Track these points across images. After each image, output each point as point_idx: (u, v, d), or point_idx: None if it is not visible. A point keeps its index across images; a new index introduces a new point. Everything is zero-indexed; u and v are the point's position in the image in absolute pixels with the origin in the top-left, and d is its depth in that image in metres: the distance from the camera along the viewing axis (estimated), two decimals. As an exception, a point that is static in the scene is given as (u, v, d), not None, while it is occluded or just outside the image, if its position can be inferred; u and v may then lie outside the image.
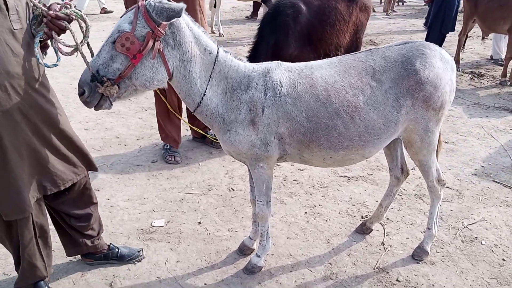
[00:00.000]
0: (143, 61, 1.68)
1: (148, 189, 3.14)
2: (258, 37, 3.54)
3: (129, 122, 4.34)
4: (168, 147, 3.62)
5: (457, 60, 6.42)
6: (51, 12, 1.63)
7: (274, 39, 3.42)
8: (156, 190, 3.13)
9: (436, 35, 6.25)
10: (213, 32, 8.22)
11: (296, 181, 3.30)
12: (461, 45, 6.43)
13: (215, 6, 8.23)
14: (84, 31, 1.70)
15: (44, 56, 1.84)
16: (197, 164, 3.54)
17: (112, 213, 2.83)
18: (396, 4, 14.32)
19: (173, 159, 3.53)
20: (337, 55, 3.68)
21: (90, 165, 2.04)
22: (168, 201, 2.98)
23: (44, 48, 1.81)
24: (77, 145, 1.97)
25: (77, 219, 2.09)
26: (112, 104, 1.74)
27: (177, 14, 1.62)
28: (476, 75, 6.16)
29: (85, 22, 1.69)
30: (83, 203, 2.09)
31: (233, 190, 3.16)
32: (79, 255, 2.34)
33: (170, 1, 1.73)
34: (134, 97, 1.87)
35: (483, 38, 6.68)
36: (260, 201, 2.14)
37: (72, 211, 2.05)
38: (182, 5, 1.65)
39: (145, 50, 1.64)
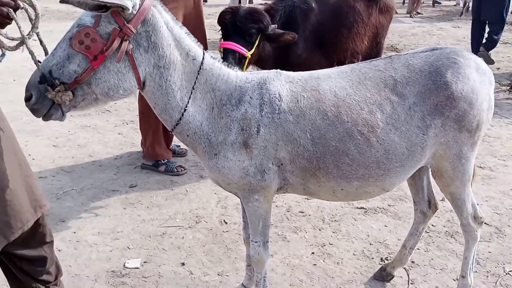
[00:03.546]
0: (106, 64, 1.57)
1: (123, 220, 3.02)
2: None
3: (107, 138, 4.25)
4: (166, 161, 3.69)
5: None
6: None
7: None
8: (133, 221, 3.00)
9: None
10: None
11: (302, 212, 3.16)
12: None
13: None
14: (33, 21, 1.58)
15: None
16: (184, 189, 3.43)
17: (78, 250, 2.70)
18: (432, 6, 14.37)
19: (182, 169, 3.67)
20: (353, 62, 3.59)
21: (41, 205, 1.90)
22: (147, 236, 2.86)
23: None
24: (29, 176, 1.84)
25: (30, 261, 1.96)
26: (64, 115, 1.63)
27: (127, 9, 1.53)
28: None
29: (34, 9, 1.57)
30: (34, 243, 1.95)
31: (226, 223, 3.03)
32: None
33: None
34: (96, 108, 1.76)
35: None
36: (256, 242, 2.00)
37: (22, 252, 1.91)
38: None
39: (109, 51, 1.53)
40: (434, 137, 1.86)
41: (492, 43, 7.23)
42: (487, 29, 7.37)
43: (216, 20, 3.09)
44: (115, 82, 1.60)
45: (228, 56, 2.88)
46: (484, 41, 7.27)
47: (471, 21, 11.37)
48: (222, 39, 3.04)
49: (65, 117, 1.64)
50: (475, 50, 7.43)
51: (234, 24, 2.92)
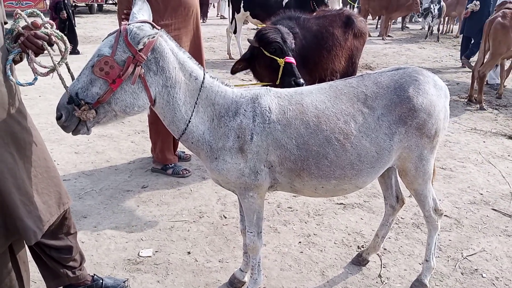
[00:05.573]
0: (123, 86, 1.63)
1: (137, 216, 3.04)
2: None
3: (121, 145, 4.28)
4: (173, 165, 3.70)
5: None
6: (31, 31, 1.57)
7: None
8: (145, 217, 3.03)
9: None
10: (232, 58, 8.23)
11: (291, 208, 3.21)
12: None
13: (235, 32, 8.32)
14: (63, 53, 1.65)
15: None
16: (189, 189, 3.46)
17: (98, 242, 2.72)
18: (401, 29, 14.57)
19: (186, 172, 3.68)
20: (332, 80, 3.67)
21: (64, 203, 1.94)
22: (157, 229, 2.89)
23: (15, 62, 1.73)
24: (55, 177, 1.88)
25: (58, 250, 1.99)
26: (90, 130, 1.69)
27: (142, 42, 1.59)
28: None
29: (65, 44, 1.65)
30: (61, 234, 1.99)
31: (225, 217, 3.06)
32: (61, 288, 2.23)
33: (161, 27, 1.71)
34: (115, 123, 1.81)
35: None
36: (251, 232, 2.05)
37: (52, 243, 1.95)
38: (151, 32, 1.60)
39: (125, 75, 1.59)
40: (399, 142, 1.92)
41: (471, 53, 8.13)
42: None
43: (257, 39, 3.06)
44: (131, 100, 1.66)
45: (293, 67, 3.03)
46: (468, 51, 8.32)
47: (435, 42, 11.68)
48: (277, 55, 3.03)
49: (91, 132, 1.70)
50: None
51: (285, 42, 3.02)
